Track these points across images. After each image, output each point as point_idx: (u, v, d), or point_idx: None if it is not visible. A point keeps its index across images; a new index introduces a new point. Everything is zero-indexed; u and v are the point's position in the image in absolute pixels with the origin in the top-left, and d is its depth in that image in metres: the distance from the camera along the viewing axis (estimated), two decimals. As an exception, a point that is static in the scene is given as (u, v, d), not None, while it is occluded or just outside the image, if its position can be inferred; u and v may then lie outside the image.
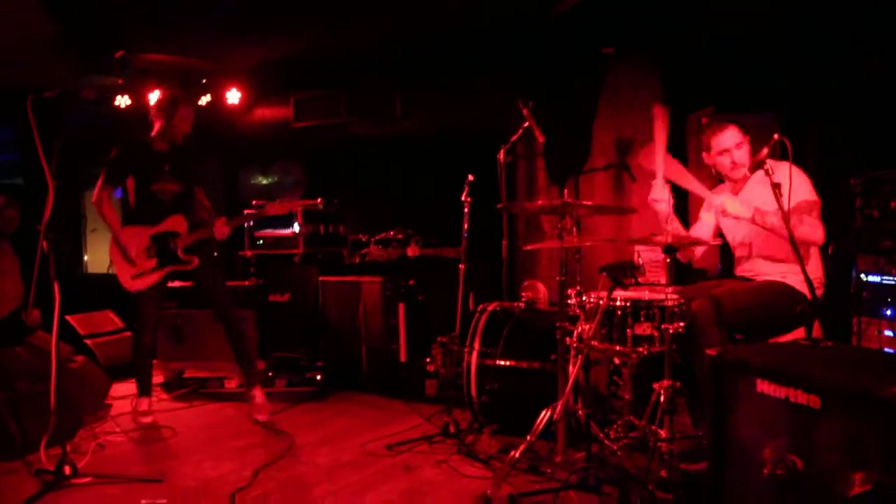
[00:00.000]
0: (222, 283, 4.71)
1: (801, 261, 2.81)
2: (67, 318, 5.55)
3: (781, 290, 3.37)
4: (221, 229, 4.45)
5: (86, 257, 9.05)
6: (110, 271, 4.43)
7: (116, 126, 6.90)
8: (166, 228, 4.43)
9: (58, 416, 3.40)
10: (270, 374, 5.47)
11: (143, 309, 4.44)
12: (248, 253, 6.01)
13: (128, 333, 6.06)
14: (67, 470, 3.33)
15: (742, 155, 3.56)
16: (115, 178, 4.39)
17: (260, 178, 7.79)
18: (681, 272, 4.05)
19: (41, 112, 3.39)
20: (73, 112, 6.03)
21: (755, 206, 3.34)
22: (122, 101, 6.60)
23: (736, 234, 3.70)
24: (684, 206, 4.80)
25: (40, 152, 3.36)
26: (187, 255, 4.43)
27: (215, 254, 4.82)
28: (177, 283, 5.53)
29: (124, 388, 5.28)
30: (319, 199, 5.98)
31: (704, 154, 3.70)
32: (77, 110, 6.33)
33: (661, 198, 3.51)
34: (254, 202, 5.02)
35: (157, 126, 4.45)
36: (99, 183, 4.37)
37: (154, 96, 4.48)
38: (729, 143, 3.57)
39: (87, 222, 8.92)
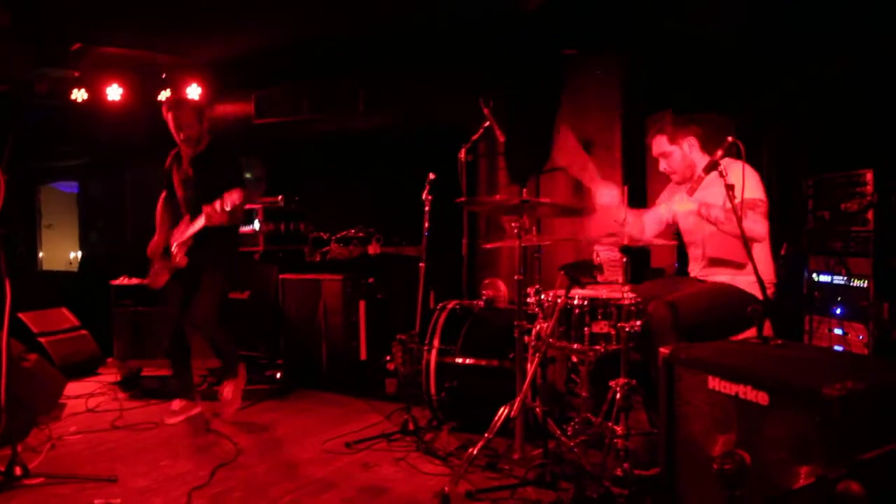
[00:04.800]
0: None
1: (753, 260, 2.87)
2: (20, 315, 5.42)
3: (731, 293, 3.45)
4: None
5: (41, 253, 8.85)
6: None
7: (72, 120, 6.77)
8: None
9: (9, 416, 3.32)
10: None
11: None
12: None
13: (83, 332, 5.96)
14: (18, 471, 3.27)
15: (670, 164, 3.68)
16: None
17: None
18: (638, 271, 4.11)
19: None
20: (27, 105, 5.89)
21: (701, 199, 3.42)
22: (79, 94, 6.45)
23: (691, 237, 3.77)
24: (643, 190, 4.89)
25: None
26: None
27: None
28: (134, 281, 5.48)
29: (79, 388, 5.20)
30: (280, 197, 5.95)
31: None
32: (31, 104, 6.19)
33: (609, 202, 3.62)
34: None
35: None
36: None
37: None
38: (657, 150, 3.70)
39: (41, 217, 8.72)
